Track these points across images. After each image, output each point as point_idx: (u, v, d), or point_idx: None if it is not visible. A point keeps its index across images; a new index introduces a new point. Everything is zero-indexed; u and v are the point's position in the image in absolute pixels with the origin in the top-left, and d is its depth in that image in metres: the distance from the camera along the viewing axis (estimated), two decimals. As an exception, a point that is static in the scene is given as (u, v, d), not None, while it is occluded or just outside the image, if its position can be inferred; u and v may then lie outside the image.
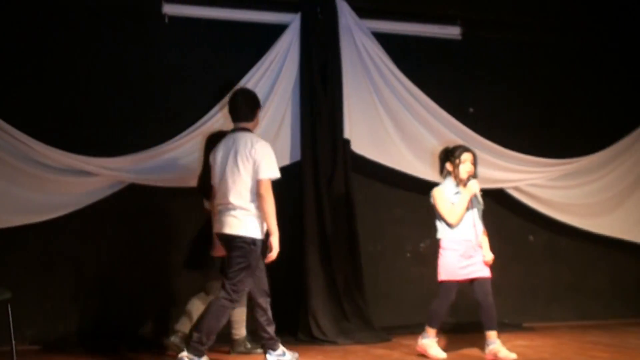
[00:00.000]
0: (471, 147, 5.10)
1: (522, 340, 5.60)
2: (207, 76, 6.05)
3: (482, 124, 6.52)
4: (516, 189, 6.54)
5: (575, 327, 6.48)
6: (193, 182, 5.68)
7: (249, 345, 5.09)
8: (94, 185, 5.57)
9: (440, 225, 4.95)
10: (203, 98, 5.93)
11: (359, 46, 6.22)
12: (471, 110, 6.76)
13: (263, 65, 6.00)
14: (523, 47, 6.94)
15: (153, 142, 5.69)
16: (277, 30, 6.10)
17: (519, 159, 6.55)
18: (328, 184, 5.96)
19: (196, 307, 4.95)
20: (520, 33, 6.87)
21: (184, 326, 4.96)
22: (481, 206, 4.97)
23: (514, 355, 4.70)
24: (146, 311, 5.81)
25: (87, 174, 5.49)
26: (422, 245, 6.57)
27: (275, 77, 6.04)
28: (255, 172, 4.35)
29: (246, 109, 4.59)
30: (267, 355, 4.50)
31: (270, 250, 4.37)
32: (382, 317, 6.23)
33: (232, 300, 4.30)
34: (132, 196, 5.72)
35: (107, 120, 5.80)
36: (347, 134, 6.03)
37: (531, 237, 6.87)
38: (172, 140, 5.71)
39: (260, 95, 5.93)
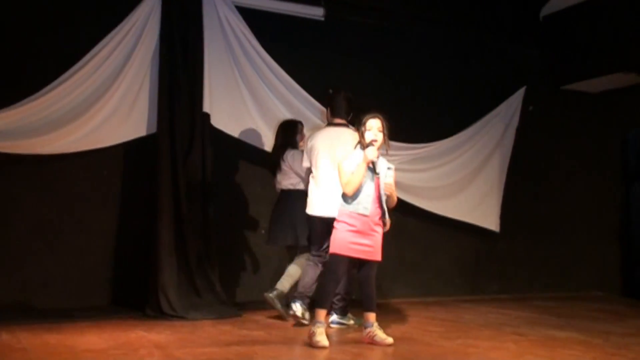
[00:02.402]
0: (380, 115, 4.66)
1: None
2: (57, 41, 5.74)
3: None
4: (369, 170, 6.74)
5: (417, 303, 6.85)
6: (36, 149, 5.44)
7: (281, 308, 5.53)
8: None
9: (341, 199, 4.65)
10: (52, 64, 5.61)
11: (222, 19, 6.14)
12: (331, 91, 6.84)
13: (121, 31, 5.79)
14: (382, 32, 7.17)
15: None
16: (137, -4, 5.89)
17: (374, 141, 6.76)
18: (185, 158, 5.85)
19: (296, 270, 5.59)
20: (381, 18, 7.08)
21: (282, 285, 5.54)
22: (388, 179, 4.64)
23: (390, 340, 4.54)
24: None
25: None
26: (277, 222, 6.65)
27: (133, 44, 5.84)
28: None
29: (346, 108, 5.39)
30: (333, 316, 5.28)
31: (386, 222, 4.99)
32: (234, 293, 6.29)
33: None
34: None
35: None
36: (207, 107, 5.94)
37: (381, 217, 7.14)
38: (14, 106, 5.35)
39: (117, 62, 5.80)
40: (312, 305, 5.00)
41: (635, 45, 7.12)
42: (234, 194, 6.49)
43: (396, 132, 6.89)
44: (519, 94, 7.70)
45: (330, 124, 5.43)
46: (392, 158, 6.86)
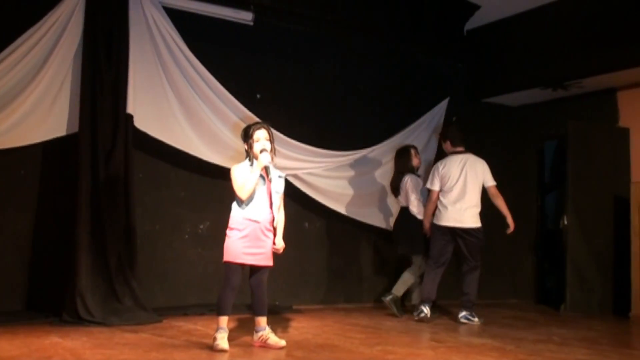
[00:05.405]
0: (265, 124, 4.76)
1: (290, 322, 5.86)
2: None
3: (269, 110, 6.64)
4: (294, 176, 6.76)
5: (340, 309, 6.93)
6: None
7: (396, 311, 6.46)
8: None
9: (233, 204, 4.66)
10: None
11: (149, 18, 6.03)
12: (258, 96, 6.89)
13: (43, 26, 5.62)
14: (311, 39, 7.23)
15: None
16: (61, -10, 5.71)
17: (301, 148, 6.78)
18: (106, 159, 5.72)
19: (409, 277, 6.62)
20: (310, 25, 7.12)
21: (397, 290, 6.56)
22: (279, 191, 4.73)
23: (283, 342, 4.64)
24: None
25: None
26: (201, 227, 6.58)
27: (55, 40, 5.68)
28: (485, 181, 6.38)
29: (461, 136, 6.52)
30: (462, 313, 6.35)
31: (510, 224, 6.42)
32: (156, 298, 6.16)
33: (479, 270, 6.42)
34: None
35: None
36: (130, 108, 5.82)
37: (306, 224, 7.17)
38: None
39: (38, 58, 5.63)
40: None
41: (550, 63, 7.43)
42: (157, 197, 6.38)
43: (324, 139, 7.03)
44: (443, 105, 7.90)
45: (454, 152, 6.46)
46: (318, 165, 6.96)
